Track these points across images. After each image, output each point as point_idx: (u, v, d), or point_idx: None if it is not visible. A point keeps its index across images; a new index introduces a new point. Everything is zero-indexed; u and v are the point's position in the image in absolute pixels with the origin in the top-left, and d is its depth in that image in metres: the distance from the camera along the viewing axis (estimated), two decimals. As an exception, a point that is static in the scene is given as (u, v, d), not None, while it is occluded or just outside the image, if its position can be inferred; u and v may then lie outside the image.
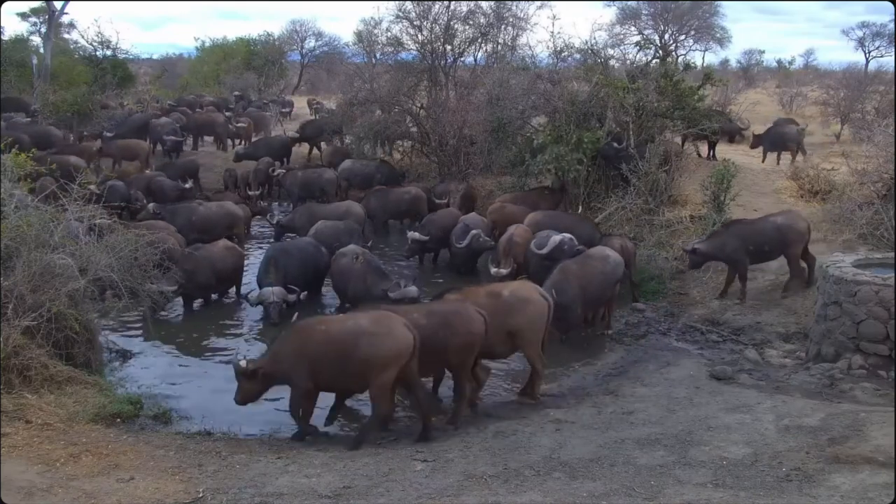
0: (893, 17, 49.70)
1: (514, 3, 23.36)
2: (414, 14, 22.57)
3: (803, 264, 12.11)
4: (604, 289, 11.09)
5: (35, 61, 31.81)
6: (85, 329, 8.82)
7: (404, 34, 23.01)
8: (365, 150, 21.80)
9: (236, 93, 35.84)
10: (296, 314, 9.50)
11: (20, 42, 36.05)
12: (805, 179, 15.44)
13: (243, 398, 7.86)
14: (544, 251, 11.82)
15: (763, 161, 20.02)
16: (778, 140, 20.36)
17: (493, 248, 13.84)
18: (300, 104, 36.24)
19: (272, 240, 15.76)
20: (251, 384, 7.75)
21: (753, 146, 21.29)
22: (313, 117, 29.40)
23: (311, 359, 7.56)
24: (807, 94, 34.74)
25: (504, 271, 12.39)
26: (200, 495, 6.02)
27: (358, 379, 7.61)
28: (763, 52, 59.64)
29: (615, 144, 15.76)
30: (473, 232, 14.20)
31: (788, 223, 12.13)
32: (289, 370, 7.64)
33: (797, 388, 8.73)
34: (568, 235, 11.95)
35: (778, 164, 19.56)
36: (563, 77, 18.08)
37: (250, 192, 19.77)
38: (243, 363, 7.70)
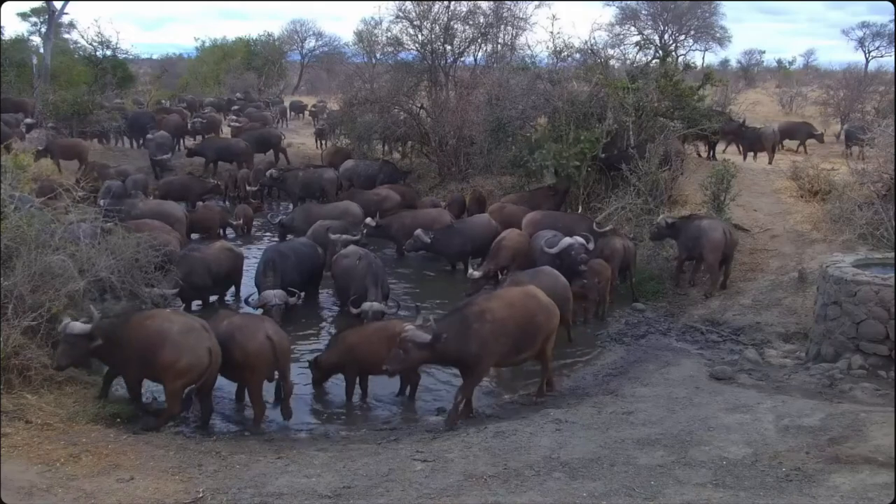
0: (893, 17, 49.66)
1: (514, 2, 23.36)
2: (414, 14, 22.53)
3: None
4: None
5: (35, 61, 31.78)
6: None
7: (404, 34, 23.01)
8: (365, 150, 21.78)
9: (238, 95, 35.85)
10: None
11: (20, 42, 35.97)
12: (805, 179, 15.42)
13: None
14: (553, 251, 11.84)
15: (744, 159, 20.15)
16: (755, 139, 20.46)
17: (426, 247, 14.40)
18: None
19: (269, 241, 15.71)
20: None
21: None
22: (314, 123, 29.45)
23: None
24: (807, 94, 34.74)
25: (477, 274, 12.45)
26: (200, 495, 6.02)
27: None
28: (763, 52, 59.92)
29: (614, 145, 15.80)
30: (417, 232, 14.39)
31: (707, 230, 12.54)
32: None
33: (797, 388, 8.72)
34: (580, 240, 11.94)
35: (770, 163, 19.60)
36: (562, 77, 18.07)
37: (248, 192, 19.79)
38: None
